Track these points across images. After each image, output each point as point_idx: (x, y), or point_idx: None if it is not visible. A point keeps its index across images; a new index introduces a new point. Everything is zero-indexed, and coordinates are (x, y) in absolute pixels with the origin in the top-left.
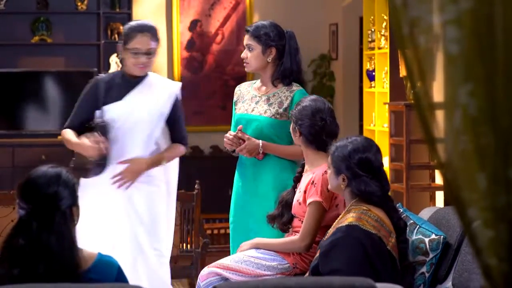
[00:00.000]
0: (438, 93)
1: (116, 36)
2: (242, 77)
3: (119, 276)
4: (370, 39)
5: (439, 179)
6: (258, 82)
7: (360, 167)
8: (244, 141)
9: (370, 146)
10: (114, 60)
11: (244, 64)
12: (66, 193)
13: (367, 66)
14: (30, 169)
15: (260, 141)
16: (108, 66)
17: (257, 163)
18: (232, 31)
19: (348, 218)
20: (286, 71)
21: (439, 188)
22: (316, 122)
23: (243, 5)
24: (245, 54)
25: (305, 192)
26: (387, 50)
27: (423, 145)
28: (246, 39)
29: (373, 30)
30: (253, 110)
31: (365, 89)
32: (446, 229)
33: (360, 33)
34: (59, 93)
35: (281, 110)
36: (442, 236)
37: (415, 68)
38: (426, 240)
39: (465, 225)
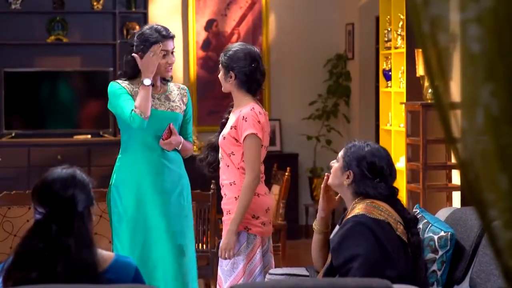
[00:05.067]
0: (454, 92)
1: None
2: None
3: (137, 276)
4: (386, 39)
5: (456, 179)
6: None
7: (370, 171)
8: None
9: (387, 156)
10: None
11: None
12: (82, 195)
13: (383, 65)
14: (46, 169)
15: (181, 137)
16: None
17: (166, 157)
18: (248, 31)
19: (355, 210)
20: None
21: (456, 188)
22: (250, 64)
23: (259, 5)
24: None
25: (234, 128)
26: (404, 50)
27: (440, 145)
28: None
29: (389, 29)
30: (160, 106)
31: (382, 89)
32: (463, 230)
33: (377, 33)
34: (75, 92)
35: (184, 106)
36: (449, 233)
37: (436, 66)
38: (435, 237)
39: (485, 226)
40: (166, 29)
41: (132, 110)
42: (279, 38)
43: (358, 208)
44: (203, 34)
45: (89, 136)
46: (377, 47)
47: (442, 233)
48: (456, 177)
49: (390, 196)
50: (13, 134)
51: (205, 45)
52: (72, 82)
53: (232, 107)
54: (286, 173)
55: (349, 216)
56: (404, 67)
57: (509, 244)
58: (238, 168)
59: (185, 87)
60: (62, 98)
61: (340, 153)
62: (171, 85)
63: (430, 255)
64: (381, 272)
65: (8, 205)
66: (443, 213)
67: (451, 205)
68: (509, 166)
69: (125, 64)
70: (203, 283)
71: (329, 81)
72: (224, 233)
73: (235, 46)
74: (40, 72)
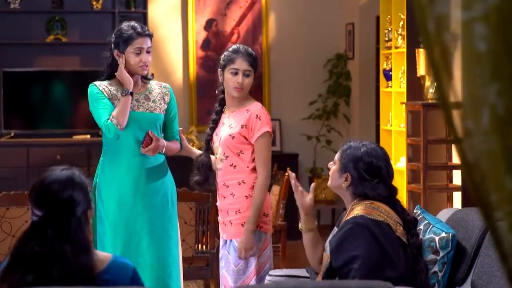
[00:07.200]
0: (459, 92)
1: None
2: (258, 77)
3: (134, 277)
4: (386, 38)
5: (456, 180)
6: (115, 81)
7: (368, 172)
8: (150, 139)
9: (384, 156)
10: None
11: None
12: (80, 197)
13: (383, 65)
14: (45, 169)
15: (164, 140)
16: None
17: (149, 162)
18: (248, 31)
19: (354, 212)
20: None
21: (456, 188)
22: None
23: (259, 5)
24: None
25: (245, 126)
26: (404, 50)
27: (441, 145)
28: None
29: (390, 29)
30: (138, 108)
31: (382, 89)
32: (465, 231)
33: (377, 33)
34: (74, 92)
35: (165, 106)
36: (451, 234)
37: (441, 66)
38: (436, 238)
39: (491, 228)
40: (142, 27)
41: (108, 119)
42: (279, 38)
43: (357, 209)
44: (203, 34)
45: (88, 136)
46: (378, 47)
47: (443, 234)
48: (457, 178)
49: (390, 197)
50: (12, 134)
51: (205, 44)
52: (71, 82)
53: (219, 107)
54: (286, 174)
55: (348, 218)
56: (404, 67)
57: None
58: (248, 167)
59: (168, 85)
60: (61, 98)
61: (337, 155)
62: (153, 83)
63: (431, 256)
64: (381, 273)
65: (7, 205)
66: (444, 214)
67: (452, 205)
68: None
69: (105, 61)
70: (202, 284)
71: (329, 81)
72: (222, 233)
73: (243, 47)
74: (39, 72)
